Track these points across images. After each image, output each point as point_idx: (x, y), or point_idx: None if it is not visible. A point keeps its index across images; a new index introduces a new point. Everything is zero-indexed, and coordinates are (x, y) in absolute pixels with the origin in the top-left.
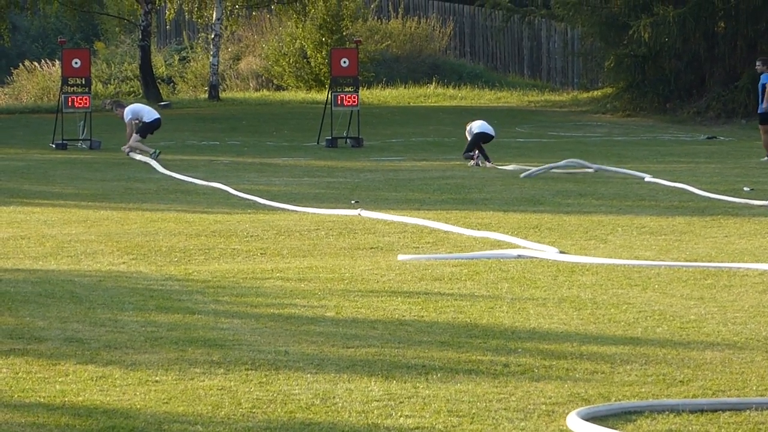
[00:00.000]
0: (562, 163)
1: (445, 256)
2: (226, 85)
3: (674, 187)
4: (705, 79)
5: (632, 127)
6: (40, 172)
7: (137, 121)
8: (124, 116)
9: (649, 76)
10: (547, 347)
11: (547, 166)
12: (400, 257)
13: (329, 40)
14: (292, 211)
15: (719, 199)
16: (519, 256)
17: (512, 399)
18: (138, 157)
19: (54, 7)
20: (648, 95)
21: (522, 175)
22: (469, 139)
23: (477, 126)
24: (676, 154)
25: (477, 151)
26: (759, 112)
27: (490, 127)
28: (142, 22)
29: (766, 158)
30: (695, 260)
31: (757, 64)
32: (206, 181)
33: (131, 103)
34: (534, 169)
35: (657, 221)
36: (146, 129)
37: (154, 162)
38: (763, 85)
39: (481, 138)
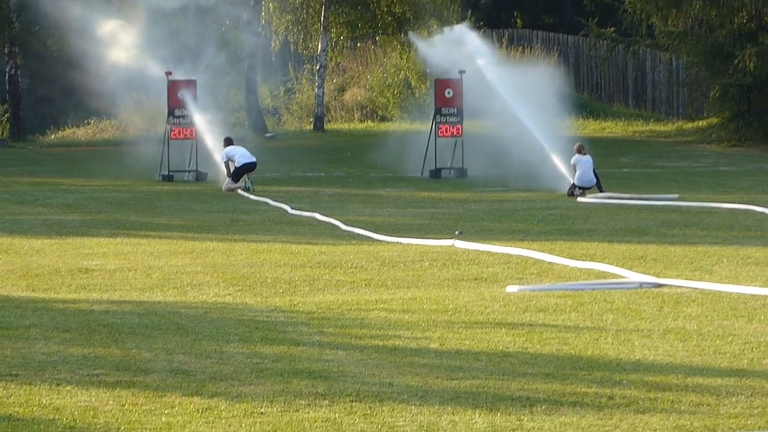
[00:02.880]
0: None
1: (559, 286)
2: (331, 116)
3: None
4: None
5: (738, 157)
6: (147, 203)
7: (231, 162)
8: (221, 157)
9: (755, 105)
10: (652, 379)
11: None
12: (509, 288)
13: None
14: (394, 242)
15: None
16: (641, 285)
17: (617, 431)
18: (239, 190)
19: None
20: (753, 125)
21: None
22: (574, 170)
23: (577, 176)
24: None
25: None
26: None
27: (590, 175)
28: (248, 53)
29: None
30: None
31: None
32: (305, 211)
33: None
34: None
35: (763, 252)
36: (238, 173)
37: (245, 193)
38: None
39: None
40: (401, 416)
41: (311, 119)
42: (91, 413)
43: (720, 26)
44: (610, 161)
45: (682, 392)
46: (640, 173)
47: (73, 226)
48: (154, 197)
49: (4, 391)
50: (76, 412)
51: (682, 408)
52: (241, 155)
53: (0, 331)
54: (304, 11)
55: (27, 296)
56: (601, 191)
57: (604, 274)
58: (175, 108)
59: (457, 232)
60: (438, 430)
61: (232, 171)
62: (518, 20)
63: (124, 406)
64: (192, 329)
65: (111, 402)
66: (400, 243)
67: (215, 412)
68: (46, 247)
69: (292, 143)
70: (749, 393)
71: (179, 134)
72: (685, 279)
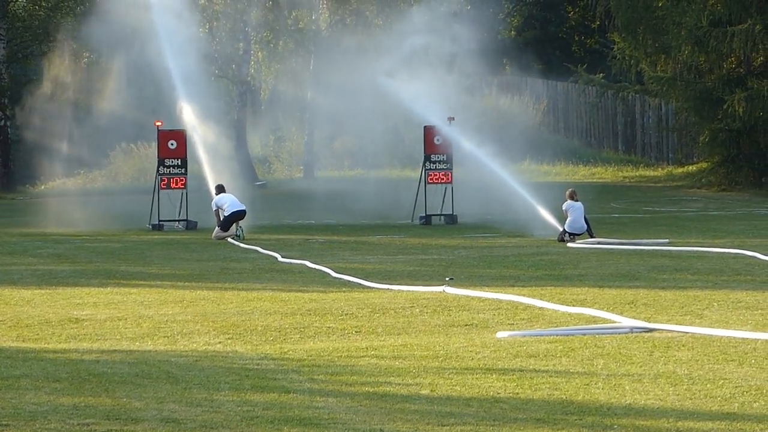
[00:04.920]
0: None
1: (549, 331)
2: (321, 163)
3: None
4: None
5: (728, 202)
6: (137, 253)
7: (221, 210)
8: (212, 205)
9: (744, 150)
10: (642, 423)
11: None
12: (500, 334)
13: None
14: (385, 289)
15: None
16: (632, 330)
17: None
18: (228, 239)
19: None
20: (743, 169)
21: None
22: (566, 216)
23: (568, 222)
24: None
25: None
26: None
27: (581, 222)
28: (237, 102)
29: None
30: None
31: None
32: (295, 259)
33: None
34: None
35: (753, 296)
36: (227, 222)
37: (234, 241)
38: None
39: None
40: None
41: (301, 167)
42: None
43: (709, 72)
44: (600, 206)
45: None
46: (631, 218)
47: (63, 276)
48: (145, 247)
49: None
50: None
51: None
52: (231, 204)
53: None
54: (293, 60)
55: (17, 346)
56: (591, 237)
57: (594, 319)
58: (165, 158)
59: (447, 279)
60: None
61: (221, 219)
62: (507, 67)
63: None
64: (182, 378)
65: None
66: (391, 290)
67: None
68: (36, 297)
69: (282, 191)
70: None
71: (171, 183)
72: (676, 323)
